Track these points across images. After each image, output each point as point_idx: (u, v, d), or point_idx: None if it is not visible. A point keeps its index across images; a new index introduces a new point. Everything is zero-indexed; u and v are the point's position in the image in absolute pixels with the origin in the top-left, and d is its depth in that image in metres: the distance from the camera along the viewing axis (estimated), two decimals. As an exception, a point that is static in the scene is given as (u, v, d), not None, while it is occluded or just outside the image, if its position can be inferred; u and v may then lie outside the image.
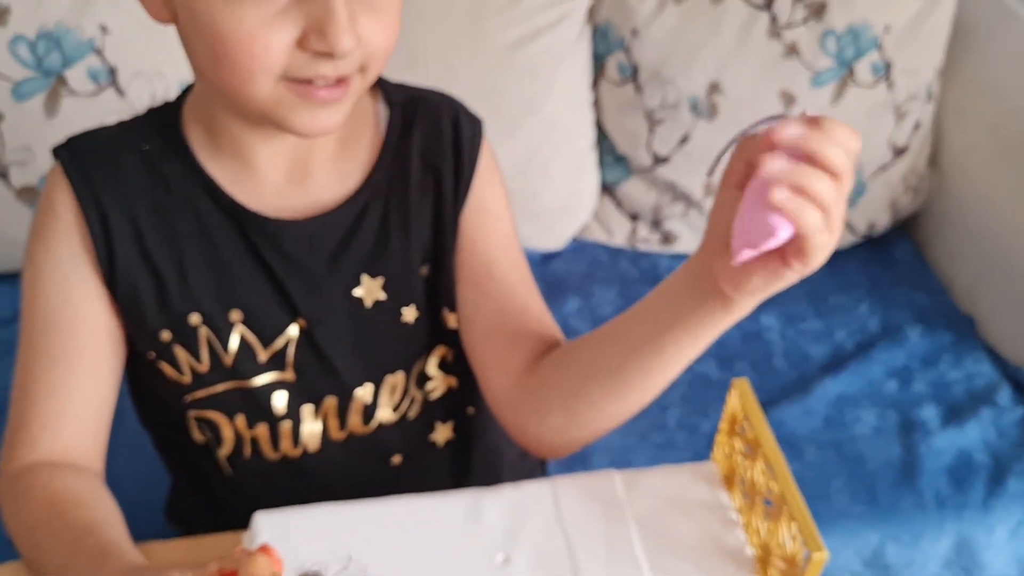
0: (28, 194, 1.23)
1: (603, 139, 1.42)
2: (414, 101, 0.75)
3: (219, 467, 0.77)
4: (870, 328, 1.30)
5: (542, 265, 1.40)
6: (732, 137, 0.55)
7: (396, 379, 0.77)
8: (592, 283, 1.36)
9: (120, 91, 1.21)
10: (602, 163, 1.43)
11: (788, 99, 1.31)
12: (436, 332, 0.77)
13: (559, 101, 1.34)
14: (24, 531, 0.67)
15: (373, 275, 0.73)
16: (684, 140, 1.34)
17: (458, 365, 0.80)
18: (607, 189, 1.43)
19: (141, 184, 0.69)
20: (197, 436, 0.76)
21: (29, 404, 0.70)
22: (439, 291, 0.76)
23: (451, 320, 0.77)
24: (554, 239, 1.41)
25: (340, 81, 0.61)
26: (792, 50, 1.29)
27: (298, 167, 0.70)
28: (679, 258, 1.42)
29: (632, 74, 1.34)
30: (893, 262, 1.43)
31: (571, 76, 1.35)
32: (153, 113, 0.73)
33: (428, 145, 0.74)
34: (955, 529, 1.08)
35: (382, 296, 0.74)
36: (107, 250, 0.68)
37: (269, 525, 0.63)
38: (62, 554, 0.63)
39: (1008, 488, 1.09)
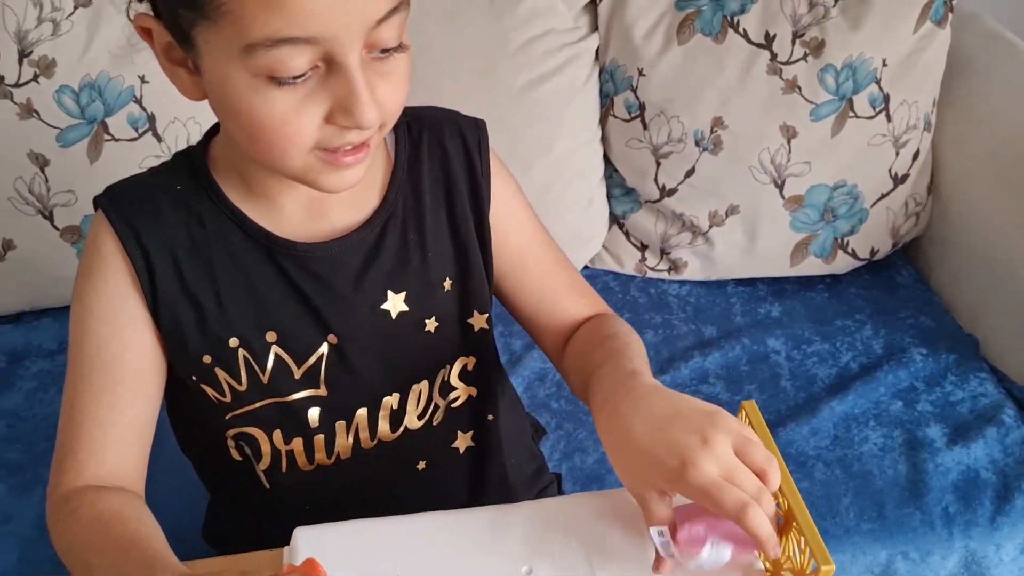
0: (71, 234, 1.30)
1: (612, 173, 1.47)
2: (417, 121, 0.81)
3: (257, 483, 0.82)
4: (875, 350, 1.34)
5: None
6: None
7: (421, 387, 0.82)
8: (604, 311, 1.41)
9: (158, 136, 1.27)
10: (611, 196, 1.48)
11: (789, 132, 1.36)
12: (460, 342, 0.83)
13: (569, 140, 1.39)
14: (72, 550, 0.72)
15: (396, 291, 0.79)
16: (690, 172, 1.39)
17: (478, 374, 0.86)
18: (616, 220, 1.48)
19: (177, 222, 0.75)
20: (235, 455, 0.81)
21: (76, 432, 0.75)
22: (466, 300, 0.82)
23: (479, 322, 0.83)
24: (566, 270, 1.45)
25: (363, 144, 0.67)
26: (792, 85, 1.34)
27: (318, 202, 0.76)
28: (686, 284, 1.47)
29: (639, 111, 1.39)
30: (895, 286, 1.47)
31: (580, 115, 1.40)
32: (180, 157, 0.79)
33: (437, 164, 0.80)
34: (963, 546, 1.10)
35: (406, 308, 0.79)
36: (151, 285, 0.74)
37: (307, 540, 0.67)
38: (110, 568, 0.67)
39: (1016, 505, 1.12)
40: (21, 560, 1.05)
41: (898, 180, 1.42)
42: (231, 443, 0.81)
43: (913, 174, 1.43)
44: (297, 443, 0.80)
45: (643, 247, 1.47)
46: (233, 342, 0.76)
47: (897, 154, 1.40)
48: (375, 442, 0.83)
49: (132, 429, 0.75)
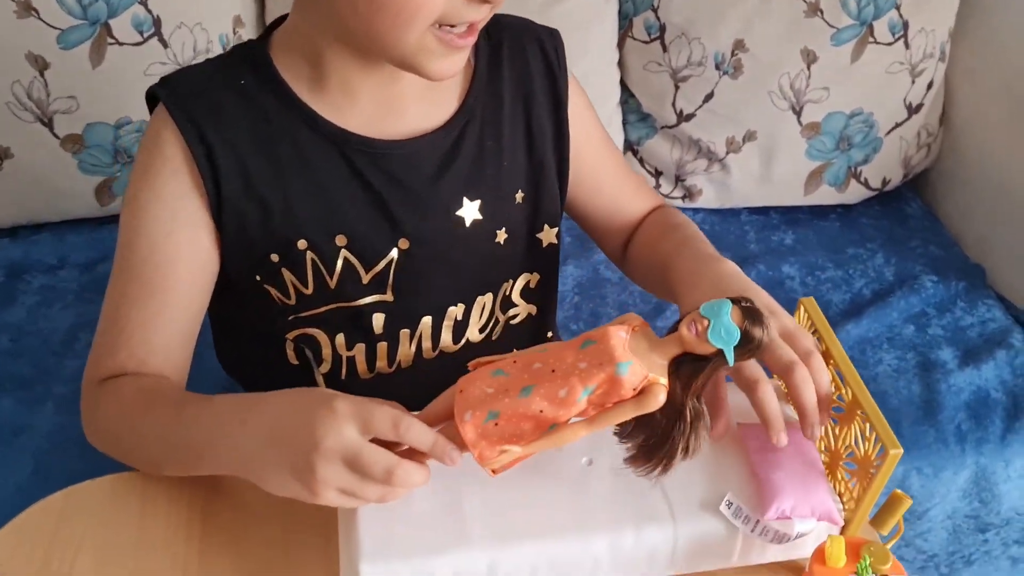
0: (72, 143, 1.26)
1: (627, 98, 1.46)
2: (496, 26, 0.78)
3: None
4: (886, 277, 1.36)
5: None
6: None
7: (485, 300, 0.81)
8: (619, 236, 1.41)
9: (164, 42, 1.23)
10: (626, 122, 1.47)
11: (810, 56, 1.35)
12: (526, 257, 0.82)
13: (586, 63, 1.37)
14: (114, 424, 0.71)
15: (472, 198, 0.77)
16: (709, 97, 1.39)
17: (540, 293, 0.85)
18: (631, 147, 1.48)
19: (241, 118, 0.72)
20: (292, 359, 0.79)
21: (119, 334, 0.73)
22: (537, 213, 0.81)
23: (548, 237, 0.82)
24: (580, 194, 1.45)
25: (472, 26, 0.66)
26: (814, 8, 1.34)
27: (396, 98, 0.74)
28: (700, 212, 1.47)
29: (659, 32, 1.38)
30: (905, 217, 1.48)
31: (599, 37, 1.38)
32: (240, 50, 0.76)
33: (517, 73, 0.79)
34: (975, 462, 1.13)
35: (480, 216, 0.78)
36: (215, 184, 0.71)
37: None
38: (163, 421, 0.68)
39: (1024, 423, 1.15)
40: (36, 472, 1.04)
41: (912, 110, 1.43)
42: (290, 346, 0.79)
43: (927, 104, 1.44)
44: (359, 349, 0.79)
45: (658, 174, 1.47)
46: (301, 244, 0.74)
47: (913, 83, 1.40)
48: (436, 352, 0.81)
49: (178, 335, 0.74)
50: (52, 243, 1.31)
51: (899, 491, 0.61)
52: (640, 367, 0.58)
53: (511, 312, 0.85)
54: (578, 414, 0.58)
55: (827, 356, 0.67)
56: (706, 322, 0.57)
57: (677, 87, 1.39)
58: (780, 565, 0.67)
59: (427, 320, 0.79)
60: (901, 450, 0.60)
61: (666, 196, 1.47)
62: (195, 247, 0.73)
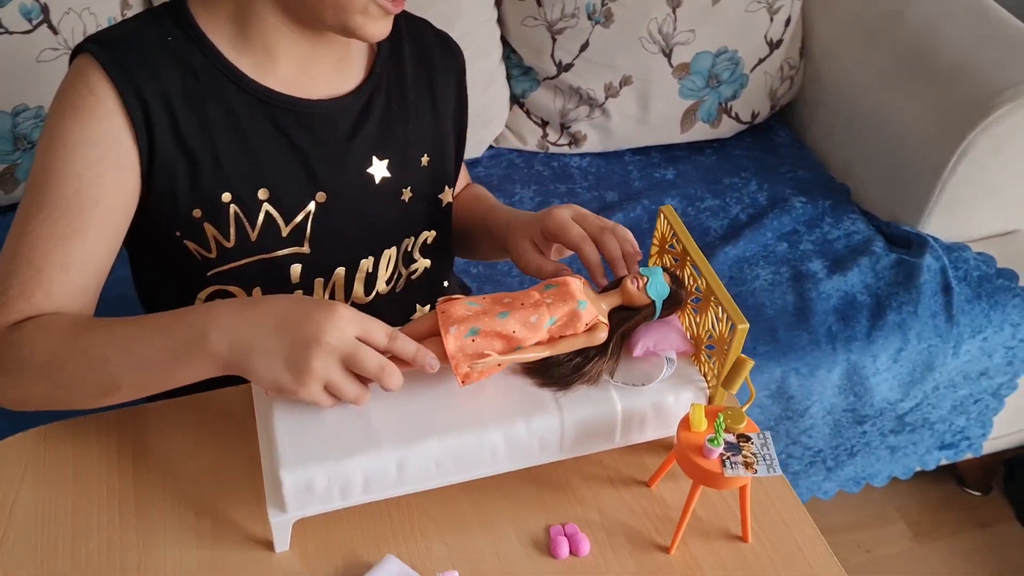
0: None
1: (510, 54, 1.53)
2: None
3: None
4: (760, 202, 1.47)
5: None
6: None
7: (391, 253, 0.88)
8: (512, 184, 1.49)
9: (54, 28, 1.25)
10: (510, 76, 1.54)
11: (674, 1, 1.44)
12: (428, 215, 0.90)
13: (467, 20, 1.44)
14: (55, 351, 0.70)
15: (380, 157, 0.85)
16: (584, 46, 1.47)
17: (436, 247, 0.93)
18: (517, 100, 1.55)
19: (172, 74, 0.75)
20: None
21: (36, 272, 0.72)
22: (439, 175, 0.90)
23: (446, 197, 0.91)
24: (472, 148, 1.52)
25: None
26: (674, -44, 1.43)
27: (312, 63, 0.80)
28: (586, 156, 1.56)
29: (532, -12, 1.45)
30: (775, 146, 1.60)
31: (475, -7, 1.45)
32: (161, 10, 0.79)
33: (418, 49, 0.89)
34: (845, 359, 1.25)
35: (388, 174, 0.85)
36: (148, 137, 0.74)
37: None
38: (128, 333, 0.69)
39: (887, 320, 1.27)
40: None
41: (773, 45, 1.53)
42: (202, 300, 0.82)
43: (786, 40, 1.55)
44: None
45: (544, 124, 1.55)
46: (226, 197, 0.78)
47: (771, 20, 1.51)
48: (348, 303, 0.87)
49: (95, 278, 0.76)
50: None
51: (743, 355, 0.70)
52: (593, 308, 0.71)
53: (412, 267, 0.92)
54: (538, 341, 0.69)
55: (684, 254, 0.75)
56: (645, 279, 0.72)
57: (554, 39, 1.47)
58: (657, 444, 0.77)
59: (340, 271, 0.86)
60: (747, 324, 0.69)
61: (553, 144, 1.55)
62: (120, 190, 0.75)
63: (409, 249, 0.91)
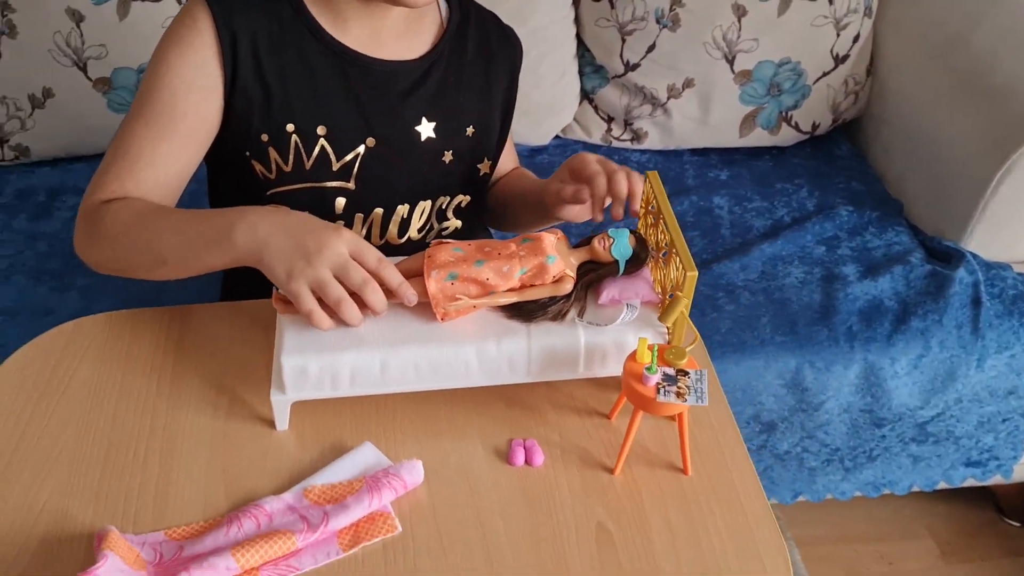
0: (103, 84, 1.48)
1: (584, 52, 1.63)
2: (467, 2, 1.02)
3: None
4: (807, 207, 1.52)
5: (529, 157, 1.62)
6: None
7: (425, 205, 1.02)
8: (571, 171, 1.58)
9: (178, 1, 1.44)
10: (582, 73, 1.64)
11: (740, 10, 1.52)
12: (464, 180, 1.03)
13: (543, 14, 1.55)
14: (127, 223, 0.85)
15: (429, 119, 0.98)
16: (651, 48, 1.56)
17: (468, 212, 1.06)
18: (586, 96, 1.65)
19: (262, 20, 0.91)
20: None
21: (130, 163, 0.89)
22: (480, 148, 1.03)
23: (484, 168, 1.04)
24: (540, 136, 1.63)
25: None
26: (743, -33, 1.50)
27: (378, 31, 0.94)
28: (646, 153, 1.64)
29: (607, -9, 1.55)
30: (834, 158, 1.64)
31: (554, -8, 1.57)
32: None
33: (482, 35, 1.02)
34: (863, 358, 1.29)
35: (433, 135, 0.98)
36: (233, 65, 0.90)
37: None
38: (182, 218, 0.84)
39: (911, 326, 1.30)
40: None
41: (838, 60, 1.58)
42: None
43: (853, 55, 1.59)
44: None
45: (609, 119, 1.64)
46: (289, 127, 0.92)
47: (838, 35, 1.56)
48: (383, 242, 1.01)
49: (176, 178, 0.92)
50: (84, 171, 1.53)
51: (679, 293, 0.78)
52: (561, 263, 0.81)
53: (444, 223, 1.05)
54: (509, 288, 0.80)
55: (658, 214, 0.84)
56: (611, 241, 0.82)
57: (624, 40, 1.57)
58: (614, 379, 0.85)
59: (379, 211, 0.99)
60: (696, 272, 0.77)
61: (616, 139, 1.64)
62: (205, 110, 0.91)
63: (444, 207, 1.03)
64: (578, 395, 0.86)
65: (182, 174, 0.93)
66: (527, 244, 0.82)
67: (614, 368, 0.83)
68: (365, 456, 0.79)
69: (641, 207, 0.90)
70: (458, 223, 1.06)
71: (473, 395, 0.84)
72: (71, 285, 1.33)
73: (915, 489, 1.46)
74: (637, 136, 1.63)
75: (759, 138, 1.62)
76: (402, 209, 1.00)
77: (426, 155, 0.99)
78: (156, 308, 0.92)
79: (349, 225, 0.99)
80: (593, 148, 1.65)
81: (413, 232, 1.02)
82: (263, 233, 0.79)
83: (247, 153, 0.94)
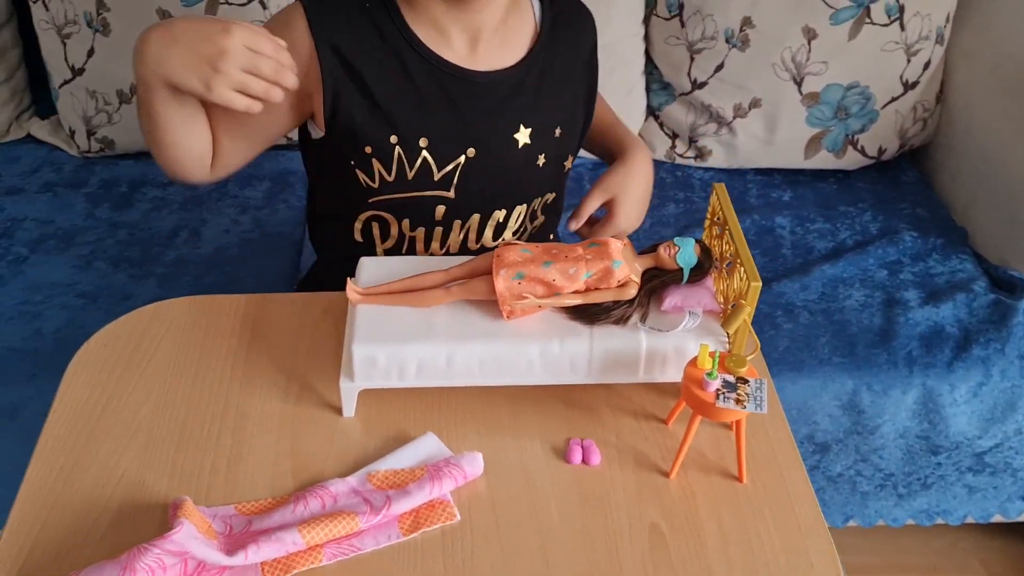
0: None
1: (652, 70, 1.65)
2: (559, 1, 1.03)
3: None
4: (870, 231, 1.52)
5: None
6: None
7: (521, 209, 1.04)
8: (634, 186, 1.60)
9: (263, 3, 1.49)
10: (649, 90, 1.66)
11: (810, 33, 1.53)
12: (553, 179, 1.06)
13: (615, 30, 1.58)
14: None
15: (527, 125, 1.00)
16: (719, 67, 1.57)
17: (553, 207, 1.09)
18: (652, 112, 1.67)
19: (363, 33, 0.93)
20: (358, 237, 1.02)
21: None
22: (566, 146, 1.05)
23: (568, 164, 1.07)
24: (604, 150, 1.65)
25: None
26: (815, -10, 1.51)
27: (473, 41, 0.96)
28: (710, 171, 1.65)
29: (678, 10, 1.57)
30: (900, 184, 1.64)
31: (626, 10, 1.59)
32: None
33: (571, 36, 1.03)
34: (921, 383, 1.29)
35: (529, 141, 1.00)
36: (333, 83, 0.92)
37: (370, 264, 0.89)
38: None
39: (972, 354, 1.29)
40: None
41: (908, 86, 1.58)
42: (359, 225, 1.01)
43: (923, 82, 1.59)
44: (420, 231, 1.02)
45: (674, 136, 1.66)
46: (393, 139, 0.95)
47: (908, 61, 1.56)
48: (479, 245, 1.04)
49: (246, 149, 1.00)
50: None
51: (742, 302, 0.79)
52: (626, 267, 0.83)
53: (536, 222, 1.08)
54: (575, 290, 0.82)
55: (723, 225, 0.86)
56: (676, 248, 0.84)
57: (692, 58, 1.58)
58: (672, 385, 0.87)
59: (476, 217, 1.02)
60: (760, 282, 0.78)
61: (680, 156, 1.66)
62: (277, 110, 0.94)
63: (536, 208, 1.07)
64: (636, 399, 0.88)
65: (246, 157, 0.99)
66: (594, 248, 0.84)
67: (673, 374, 0.85)
68: (428, 446, 0.82)
69: (707, 218, 0.91)
70: (543, 218, 1.09)
71: (534, 393, 0.86)
72: (150, 273, 1.39)
73: (969, 520, 1.45)
74: (701, 154, 1.64)
75: (824, 160, 1.62)
76: (499, 214, 1.03)
77: (523, 161, 1.01)
78: (233, 295, 0.96)
79: (448, 231, 1.02)
80: (657, 164, 1.65)
81: (508, 235, 1.06)
82: (156, 56, 0.83)
83: (352, 162, 0.97)
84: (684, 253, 0.84)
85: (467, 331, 0.82)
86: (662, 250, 0.84)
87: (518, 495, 0.78)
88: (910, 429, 1.32)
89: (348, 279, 0.85)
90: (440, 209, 1.00)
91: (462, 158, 0.98)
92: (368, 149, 0.96)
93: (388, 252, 1.04)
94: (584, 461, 0.82)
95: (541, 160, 1.02)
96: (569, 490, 0.79)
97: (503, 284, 0.82)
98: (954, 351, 1.30)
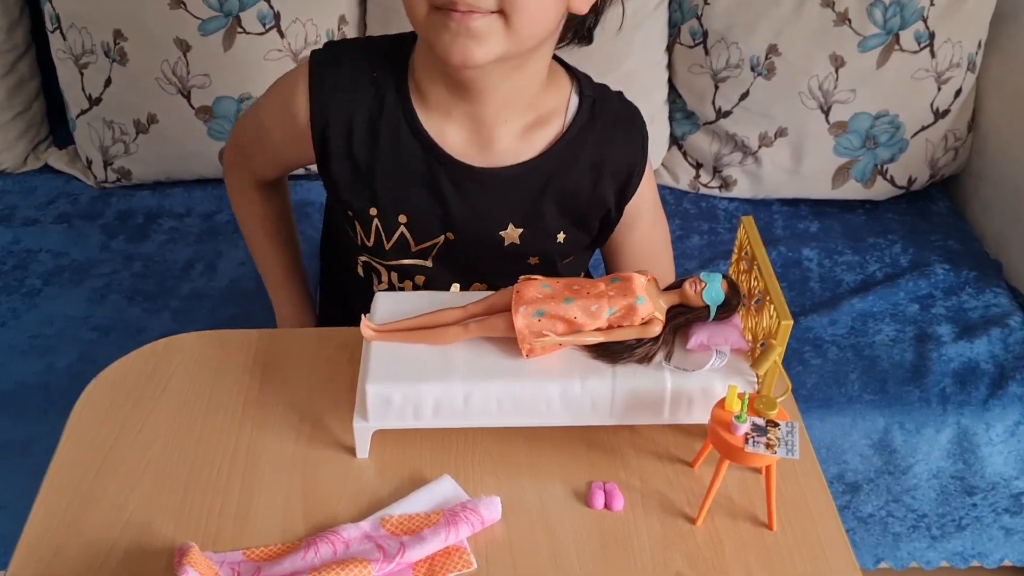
0: (204, 113, 1.52)
1: (675, 98, 1.63)
2: (603, 100, 0.93)
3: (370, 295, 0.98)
4: (901, 263, 1.48)
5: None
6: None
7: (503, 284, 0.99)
8: (657, 216, 1.57)
9: (281, 32, 1.49)
10: (672, 119, 1.64)
11: (838, 61, 1.50)
12: (548, 272, 0.97)
13: (637, 58, 1.56)
14: (242, 224, 1.11)
15: (517, 225, 0.95)
16: (744, 96, 1.55)
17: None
18: (676, 141, 1.64)
19: (364, 100, 0.90)
20: (360, 272, 1.02)
21: (239, 151, 1.06)
22: (569, 249, 0.98)
23: (558, 266, 1.00)
24: (627, 180, 1.62)
25: (469, 12, 0.76)
26: (843, 18, 1.48)
27: (483, 133, 0.90)
28: (734, 201, 1.62)
29: (702, 38, 1.55)
30: (930, 214, 1.60)
31: (648, 38, 1.56)
32: (394, 40, 0.93)
33: (602, 149, 0.92)
34: (956, 422, 1.24)
35: (517, 241, 0.96)
36: (323, 142, 0.91)
37: (386, 300, 0.86)
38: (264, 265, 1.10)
39: (1008, 391, 1.25)
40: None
41: (939, 114, 1.55)
42: (360, 264, 1.01)
43: (954, 110, 1.55)
44: (407, 284, 1.00)
45: (698, 166, 1.63)
46: (372, 211, 0.93)
47: (939, 89, 1.52)
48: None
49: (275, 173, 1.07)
50: (182, 196, 1.58)
51: (772, 341, 0.76)
52: (650, 304, 0.79)
53: None
54: (597, 327, 0.79)
55: (752, 260, 0.83)
56: (703, 285, 0.80)
57: (717, 87, 1.56)
58: (698, 427, 0.83)
59: (456, 286, 1.00)
60: (791, 321, 0.75)
61: (704, 186, 1.63)
62: (287, 151, 0.99)
63: None
64: (660, 440, 0.84)
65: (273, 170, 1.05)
66: (616, 284, 0.81)
67: (700, 415, 0.81)
68: (443, 489, 0.78)
69: (734, 252, 0.88)
70: None
71: (554, 434, 0.83)
72: (164, 307, 1.37)
73: (1006, 563, 1.39)
74: (726, 183, 1.61)
75: (852, 191, 1.58)
76: (480, 286, 1.00)
77: (508, 256, 0.97)
78: (245, 331, 0.94)
79: (435, 289, 0.99)
80: (680, 194, 1.64)
81: None
82: None
83: (348, 212, 0.97)
84: (711, 290, 0.81)
85: (485, 370, 0.79)
86: (688, 286, 0.81)
87: (538, 541, 0.75)
88: (944, 469, 1.27)
89: (363, 315, 0.83)
90: (420, 277, 0.99)
91: (441, 239, 0.96)
92: (350, 213, 0.96)
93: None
94: (607, 506, 0.78)
95: (533, 260, 0.98)
96: (591, 536, 0.76)
97: (523, 321, 0.79)
98: (989, 388, 1.26)
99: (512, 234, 0.95)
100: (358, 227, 0.96)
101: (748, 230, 0.85)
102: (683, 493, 0.80)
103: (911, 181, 1.59)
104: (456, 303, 0.84)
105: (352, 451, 0.82)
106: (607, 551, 0.74)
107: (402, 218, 0.94)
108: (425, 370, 0.79)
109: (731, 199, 1.62)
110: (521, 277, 0.83)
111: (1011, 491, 1.29)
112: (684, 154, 1.64)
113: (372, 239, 0.96)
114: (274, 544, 0.74)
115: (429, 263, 0.97)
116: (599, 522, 0.77)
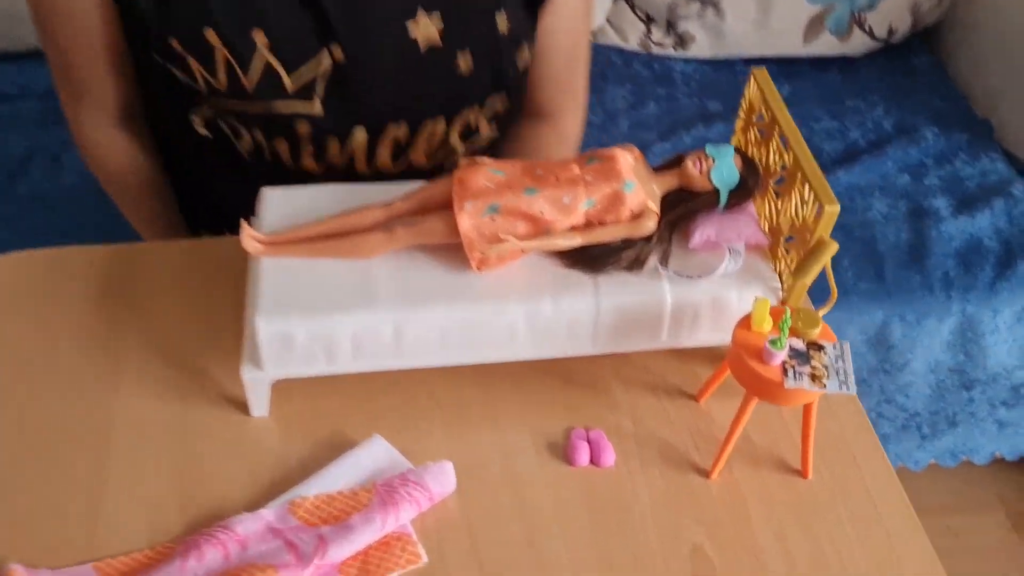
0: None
1: (618, -61, 1.38)
2: None
3: (230, 160, 0.75)
4: (884, 128, 1.30)
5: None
6: None
7: (436, 126, 0.74)
8: (604, 83, 1.35)
9: None
10: (616, -35, 1.40)
11: None
12: (496, 81, 0.74)
13: None
14: (112, 194, 0.82)
15: (430, 9, 0.68)
16: (703, -66, 1.31)
17: (508, 117, 0.79)
18: (621, -8, 1.41)
19: None
20: (202, 131, 0.74)
21: (73, 97, 0.76)
22: (513, 42, 0.73)
23: (524, 57, 0.75)
24: (567, 41, 1.39)
25: None
26: None
27: None
28: (692, 62, 1.40)
29: None
30: (912, 70, 1.42)
31: None
32: None
33: None
34: (961, 310, 1.09)
35: (438, 41, 0.69)
36: None
37: (274, 198, 0.63)
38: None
39: (1017, 271, 1.11)
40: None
41: (923, -47, 1.34)
42: (198, 120, 0.73)
43: (940, -52, 1.35)
44: (282, 143, 0.73)
45: (649, 20, 1.40)
46: (210, 34, 0.66)
47: (924, -77, 1.32)
48: (372, 169, 0.75)
49: (100, 73, 0.74)
50: (12, 72, 1.28)
51: (824, 236, 0.56)
52: (641, 191, 0.59)
53: (475, 139, 0.78)
54: (572, 225, 0.59)
55: (773, 123, 0.62)
56: (710, 162, 0.60)
57: (671, -77, 1.32)
58: (712, 353, 0.64)
59: (361, 136, 0.73)
60: (838, 206, 0.56)
61: (656, 44, 1.40)
62: (94, 27, 0.70)
63: (473, 123, 0.77)
64: (653, 367, 0.66)
65: (105, 67, 0.74)
66: (595, 165, 0.59)
67: (708, 336, 0.62)
68: (374, 455, 0.59)
69: (739, 117, 0.67)
70: (495, 133, 0.79)
71: (519, 372, 0.63)
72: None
73: (997, 456, 1.28)
74: (682, 41, 1.39)
75: (827, 45, 1.38)
76: (396, 130, 0.73)
77: (429, 67, 0.70)
78: (88, 247, 0.70)
79: (322, 148, 0.73)
80: (630, 55, 1.41)
81: (418, 157, 0.76)
82: None
83: (157, 56, 0.68)
84: (721, 167, 0.60)
85: (422, 292, 0.58)
86: (690, 164, 0.60)
87: (506, 517, 0.57)
88: (942, 362, 1.13)
89: (243, 222, 0.59)
90: (304, 128, 0.71)
91: (326, 59, 0.68)
92: (175, 43, 0.67)
93: (249, 156, 0.74)
94: (593, 461, 0.60)
95: (464, 63, 0.71)
96: (575, 503, 0.58)
97: (470, 222, 0.57)
98: (996, 269, 1.11)
99: (427, 28, 0.68)
100: (193, 65, 0.67)
101: (763, 86, 0.65)
102: (689, 435, 0.62)
103: (891, 32, 1.39)
104: (376, 198, 0.61)
105: (244, 408, 0.61)
106: (598, 522, 0.57)
107: (258, 35, 0.66)
108: (338, 295, 0.58)
109: (688, 59, 1.41)
110: (462, 159, 0.60)
111: (1012, 382, 1.17)
112: (632, 6, 1.40)
113: (223, 80, 0.68)
114: (138, 551, 0.54)
115: (316, 105, 0.70)
116: (585, 483, 0.59)
